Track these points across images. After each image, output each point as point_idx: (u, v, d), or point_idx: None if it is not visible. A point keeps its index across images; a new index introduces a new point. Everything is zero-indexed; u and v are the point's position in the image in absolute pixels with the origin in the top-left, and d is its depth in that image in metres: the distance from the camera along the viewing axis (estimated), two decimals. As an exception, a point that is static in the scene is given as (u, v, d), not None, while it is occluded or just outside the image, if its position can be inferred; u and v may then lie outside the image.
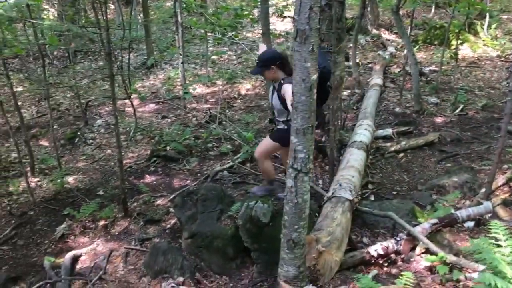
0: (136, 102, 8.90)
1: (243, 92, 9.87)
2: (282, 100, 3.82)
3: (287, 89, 3.61)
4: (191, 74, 10.80)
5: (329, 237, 3.53)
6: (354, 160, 5.02)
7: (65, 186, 5.91)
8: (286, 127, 3.99)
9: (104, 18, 5.06)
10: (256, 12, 10.56)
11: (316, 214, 4.13)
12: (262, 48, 4.29)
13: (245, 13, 7.49)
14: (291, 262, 3.18)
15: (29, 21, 5.20)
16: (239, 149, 6.63)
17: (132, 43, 11.48)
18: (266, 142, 4.22)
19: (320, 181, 5.50)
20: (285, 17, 13.95)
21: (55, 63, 12.28)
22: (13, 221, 5.18)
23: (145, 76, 11.33)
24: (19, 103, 7.07)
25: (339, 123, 6.06)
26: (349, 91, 8.76)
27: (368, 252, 3.78)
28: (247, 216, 3.85)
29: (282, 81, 3.83)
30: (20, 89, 9.66)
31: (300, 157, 2.93)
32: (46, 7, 13.06)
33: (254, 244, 3.87)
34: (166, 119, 8.64)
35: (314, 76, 2.78)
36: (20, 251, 4.67)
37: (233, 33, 8.83)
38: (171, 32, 14.22)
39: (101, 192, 5.77)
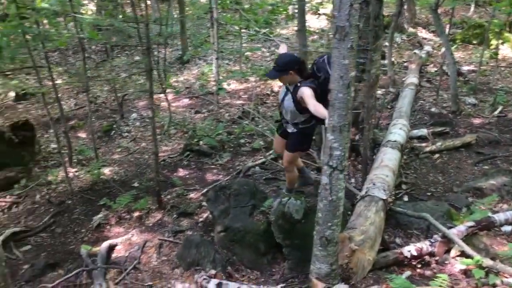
0: (170, 96, 9.03)
1: (275, 89, 9.87)
2: (297, 103, 3.76)
3: (305, 91, 3.59)
4: (224, 70, 10.86)
5: (362, 236, 3.51)
6: (388, 159, 4.96)
7: (101, 177, 6.06)
8: (295, 130, 3.94)
9: (142, 14, 5.15)
10: (291, 8, 10.54)
11: (349, 212, 4.11)
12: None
13: (281, 9, 7.47)
14: (324, 260, 3.18)
15: (74, 15, 5.33)
16: (271, 146, 6.63)
17: (168, 38, 11.63)
18: (288, 155, 4.10)
19: (353, 180, 5.48)
20: (319, 14, 13.86)
21: (93, 57, 12.59)
22: (52, 210, 5.34)
23: (179, 71, 11.47)
24: (58, 95, 7.26)
25: (373, 122, 6.00)
26: (383, 90, 8.65)
27: (401, 253, 3.74)
28: (279, 212, 3.87)
29: (298, 84, 3.74)
30: (59, 81, 9.95)
31: (335, 155, 2.93)
32: (85, 1, 13.37)
33: (286, 240, 3.89)
34: (199, 114, 8.73)
35: (352, 73, 2.77)
36: (58, 238, 4.83)
37: (268, 29, 8.85)
38: (205, 28, 14.35)
39: (135, 184, 5.89)
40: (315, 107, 3.42)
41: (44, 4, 5.30)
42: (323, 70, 3.71)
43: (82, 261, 4.25)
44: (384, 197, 4.07)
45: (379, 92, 8.14)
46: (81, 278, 4.02)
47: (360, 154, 5.64)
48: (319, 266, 3.21)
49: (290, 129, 3.98)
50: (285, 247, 3.91)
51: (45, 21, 6.15)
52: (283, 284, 3.67)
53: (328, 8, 13.16)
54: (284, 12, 8.24)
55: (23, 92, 9.25)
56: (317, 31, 12.40)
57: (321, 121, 3.53)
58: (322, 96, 3.64)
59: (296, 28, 12.81)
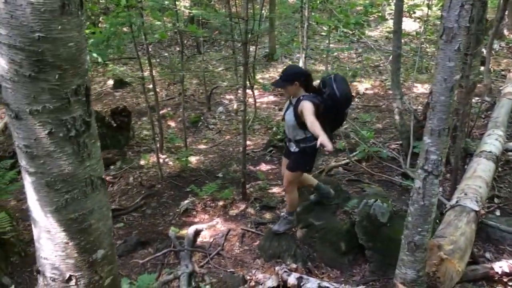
0: (256, 92, 9.21)
1: (361, 91, 9.73)
2: (297, 116, 3.72)
3: (306, 105, 3.57)
4: (310, 69, 10.88)
5: (452, 245, 3.39)
6: (481, 170, 4.72)
7: (188, 165, 6.35)
8: (297, 149, 3.87)
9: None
10: (386, 9, 10.30)
11: (437, 221, 3.98)
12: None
13: (374, 10, 7.34)
14: (411, 265, 3.12)
15: (180, 9, 5.63)
16: (355, 147, 6.57)
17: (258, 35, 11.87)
18: (288, 175, 4.05)
19: (440, 188, 5.28)
20: (412, 16, 13.39)
21: (184, 51, 13.14)
22: (143, 192, 5.69)
23: (265, 69, 11.66)
24: (150, 86, 7.69)
25: (466, 131, 5.74)
26: (478, 98, 8.21)
27: (492, 268, 3.57)
28: (364, 214, 3.84)
29: (301, 97, 3.70)
30: (155, 73, 10.52)
31: (432, 159, 2.86)
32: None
33: (369, 242, 3.86)
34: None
35: (457, 77, 2.69)
36: (148, 219, 5.14)
37: (355, 31, 8.74)
38: (292, 28, 14.44)
39: (220, 175, 6.11)
40: (312, 123, 3.42)
41: (150, -1, 5.64)
42: (329, 86, 3.71)
43: (170, 242, 4.50)
44: (477, 209, 3.90)
45: (473, 100, 7.75)
46: (169, 258, 4.27)
47: (449, 163, 5.43)
48: (405, 271, 3.15)
49: (293, 148, 3.93)
50: (367, 249, 3.88)
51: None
52: (364, 286, 3.65)
53: (423, 11, 12.70)
54: (378, 13, 8.07)
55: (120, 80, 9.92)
56: (411, 33, 12.02)
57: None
58: (325, 113, 3.65)
59: (386, 31, 12.58)
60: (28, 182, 2.00)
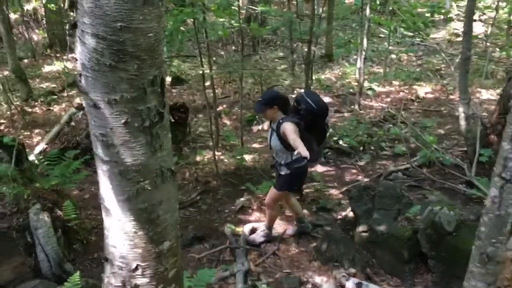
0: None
1: (421, 95, 9.40)
2: (282, 139, 3.81)
3: (287, 126, 3.71)
4: (367, 71, 10.65)
5: (526, 260, 3.17)
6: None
7: (243, 163, 6.35)
8: (289, 172, 3.95)
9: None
10: (454, 8, 9.88)
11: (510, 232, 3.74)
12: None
13: (443, 10, 7.05)
14: (481, 278, 2.93)
15: (243, 7, 5.63)
16: (414, 153, 6.33)
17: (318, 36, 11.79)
18: (274, 193, 4.17)
19: None
20: (482, 19, 12.79)
21: (239, 50, 13.22)
22: (199, 188, 5.74)
23: (321, 70, 11.52)
24: (206, 84, 7.79)
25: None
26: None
27: None
28: (429, 221, 3.68)
29: (280, 121, 3.81)
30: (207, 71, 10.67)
31: (510, 166, 2.68)
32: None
33: (432, 251, 3.69)
34: (338, 113, 8.68)
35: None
36: (204, 215, 5.17)
37: (419, 32, 8.46)
38: (349, 29, 14.22)
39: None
40: (294, 140, 3.55)
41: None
42: (304, 102, 3.84)
43: (225, 239, 4.51)
44: (553, 222, 3.63)
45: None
46: (224, 254, 4.27)
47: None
48: (475, 284, 2.97)
49: (284, 171, 3.98)
50: (430, 258, 3.71)
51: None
52: (426, 297, 3.49)
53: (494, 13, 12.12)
54: (446, 14, 7.75)
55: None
56: (479, 36, 11.48)
57: (314, 159, 3.87)
58: (306, 128, 3.76)
59: (450, 33, 12.10)
60: (102, 170, 2.03)
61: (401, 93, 9.52)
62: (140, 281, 2.21)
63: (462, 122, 5.54)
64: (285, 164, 3.98)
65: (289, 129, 3.68)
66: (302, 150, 3.34)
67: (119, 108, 1.84)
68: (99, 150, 1.98)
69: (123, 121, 1.86)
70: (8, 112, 8.24)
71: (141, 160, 1.96)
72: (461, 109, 5.49)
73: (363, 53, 8.33)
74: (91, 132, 1.98)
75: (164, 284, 2.27)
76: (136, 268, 2.18)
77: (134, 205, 2.05)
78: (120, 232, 2.12)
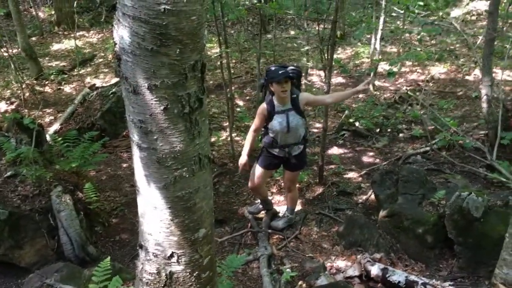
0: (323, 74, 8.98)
1: (436, 75, 9.25)
2: (302, 114, 3.81)
3: (306, 94, 3.92)
4: (380, 51, 10.46)
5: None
6: None
7: (259, 145, 6.27)
8: (302, 146, 3.99)
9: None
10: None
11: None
12: None
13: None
14: (514, 266, 2.90)
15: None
16: (432, 135, 6.24)
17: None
18: (297, 175, 4.29)
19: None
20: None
21: (250, 29, 13.03)
22: (215, 170, 5.68)
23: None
24: (219, 64, 7.67)
25: None
26: None
27: None
28: (456, 207, 3.61)
29: (294, 96, 3.76)
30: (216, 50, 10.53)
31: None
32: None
33: (459, 237, 3.64)
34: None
35: None
36: (222, 197, 5.13)
37: (427, 12, 8.25)
38: (360, 8, 13.97)
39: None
40: (333, 95, 4.34)
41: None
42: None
43: (245, 222, 4.47)
44: None
45: None
46: (246, 238, 4.24)
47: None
48: (507, 272, 2.94)
49: (298, 150, 3.95)
50: (457, 244, 3.65)
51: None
52: (452, 282, 3.46)
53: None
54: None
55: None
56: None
57: None
58: None
59: (467, 11, 11.81)
60: (138, 157, 1.98)
61: (416, 74, 9.37)
62: (175, 268, 2.19)
63: (484, 105, 5.44)
64: (301, 140, 3.93)
65: (309, 94, 3.96)
66: (355, 89, 3.83)
67: (159, 94, 1.77)
68: (136, 137, 1.92)
69: (162, 107, 1.80)
70: (19, 91, 8.17)
71: (180, 148, 1.91)
72: (483, 91, 5.38)
73: (379, 32, 8.16)
74: (128, 118, 1.92)
75: (199, 271, 2.25)
76: (172, 256, 2.15)
77: (172, 193, 2.01)
78: (156, 219, 2.09)
